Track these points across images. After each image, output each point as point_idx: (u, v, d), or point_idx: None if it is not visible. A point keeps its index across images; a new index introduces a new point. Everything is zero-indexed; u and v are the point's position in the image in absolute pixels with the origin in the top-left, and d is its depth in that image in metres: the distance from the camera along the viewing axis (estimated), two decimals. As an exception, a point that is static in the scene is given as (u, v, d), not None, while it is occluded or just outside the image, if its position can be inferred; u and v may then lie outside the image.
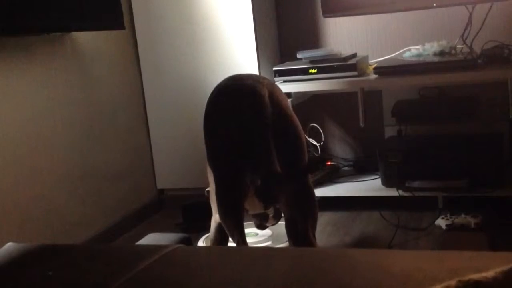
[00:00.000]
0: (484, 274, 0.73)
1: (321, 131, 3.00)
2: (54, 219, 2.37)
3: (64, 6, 2.14)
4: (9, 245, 1.26)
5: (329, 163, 2.95)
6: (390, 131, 2.85)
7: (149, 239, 1.74)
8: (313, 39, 3.03)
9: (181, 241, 1.65)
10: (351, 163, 3.06)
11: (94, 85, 2.67)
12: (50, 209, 2.35)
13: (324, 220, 2.65)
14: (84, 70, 2.61)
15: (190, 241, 1.67)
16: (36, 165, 2.30)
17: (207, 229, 2.67)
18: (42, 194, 2.31)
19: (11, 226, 2.16)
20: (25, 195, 2.23)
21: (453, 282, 0.73)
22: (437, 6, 2.49)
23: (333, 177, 2.88)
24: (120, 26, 2.43)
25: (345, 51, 2.79)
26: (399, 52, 2.81)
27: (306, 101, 2.88)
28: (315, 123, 3.01)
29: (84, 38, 2.60)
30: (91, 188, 2.60)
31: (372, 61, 2.80)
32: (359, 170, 2.96)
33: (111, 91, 2.79)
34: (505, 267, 0.73)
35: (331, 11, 2.57)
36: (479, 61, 2.48)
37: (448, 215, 2.37)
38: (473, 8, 2.54)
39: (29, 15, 1.99)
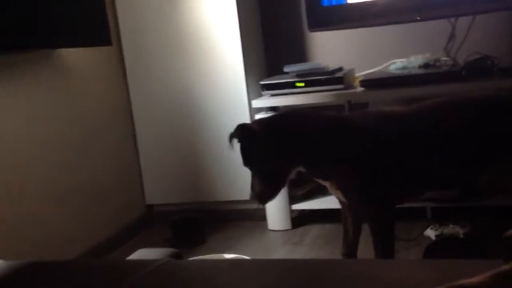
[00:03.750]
0: (471, 279, 0.74)
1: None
2: (42, 237, 2.35)
3: (50, 23, 2.15)
4: (-2, 263, 1.25)
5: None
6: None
7: (139, 254, 1.73)
8: (300, 53, 3.06)
9: (172, 256, 1.64)
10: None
11: (81, 101, 2.67)
12: (38, 226, 2.33)
13: (314, 234, 2.66)
14: (71, 87, 2.61)
15: (180, 256, 1.65)
16: (24, 183, 2.28)
17: (197, 244, 2.67)
18: (29, 212, 2.30)
19: (-1, 244, 2.14)
20: (13, 213, 2.21)
21: (442, 288, 0.74)
22: (421, 20, 2.53)
23: (323, 189, 2.88)
24: (107, 42, 2.44)
25: (331, 64, 2.82)
26: (384, 65, 2.84)
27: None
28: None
29: (71, 55, 2.60)
30: (79, 205, 2.59)
31: (358, 74, 2.83)
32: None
33: (99, 107, 2.79)
34: (492, 272, 0.74)
35: (317, 25, 2.60)
36: (463, 72, 2.52)
37: (437, 225, 2.39)
38: (455, 21, 2.58)
39: (14, 32, 1.99)
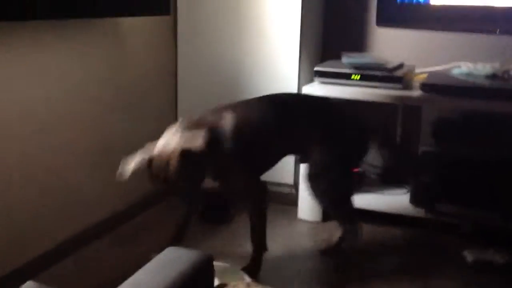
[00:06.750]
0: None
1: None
2: (72, 196, 2.34)
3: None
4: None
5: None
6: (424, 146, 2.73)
7: (168, 254, 1.65)
8: (358, 41, 2.88)
9: (202, 261, 1.57)
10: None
11: (129, 66, 2.59)
12: (68, 185, 2.31)
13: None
14: (122, 53, 2.53)
15: (211, 261, 1.58)
16: (59, 141, 2.25)
17: (227, 221, 2.61)
18: (60, 170, 2.27)
19: (28, 196, 2.12)
20: (42, 169, 2.18)
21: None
22: (500, 33, 2.35)
23: (361, 185, 2.79)
24: (167, 11, 2.32)
25: (391, 57, 2.66)
26: (448, 66, 2.66)
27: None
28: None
29: (125, 21, 2.50)
30: (112, 167, 2.55)
31: (419, 71, 2.67)
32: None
33: (146, 74, 2.72)
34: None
35: (387, 21, 2.43)
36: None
37: (476, 248, 2.28)
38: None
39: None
